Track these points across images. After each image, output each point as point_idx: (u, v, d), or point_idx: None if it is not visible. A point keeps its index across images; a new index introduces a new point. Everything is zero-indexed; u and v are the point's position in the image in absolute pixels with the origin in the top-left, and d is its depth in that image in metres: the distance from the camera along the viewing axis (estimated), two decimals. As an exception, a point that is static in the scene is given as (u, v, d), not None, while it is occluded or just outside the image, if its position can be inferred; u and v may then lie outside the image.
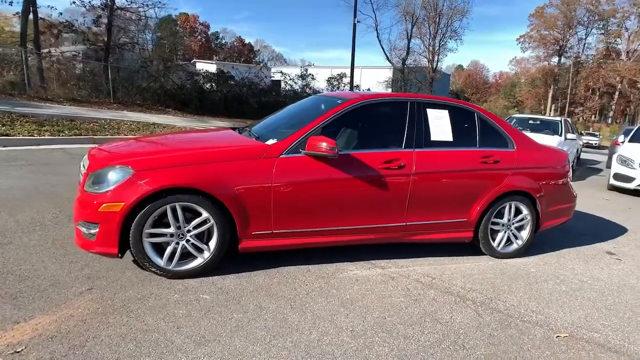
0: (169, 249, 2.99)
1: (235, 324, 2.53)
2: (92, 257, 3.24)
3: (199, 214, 3.00)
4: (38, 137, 8.48)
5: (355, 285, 3.22)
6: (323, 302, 2.90)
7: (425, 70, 42.93)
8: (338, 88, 25.49)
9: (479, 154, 3.86)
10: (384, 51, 41.66)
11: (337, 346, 2.40)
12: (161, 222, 2.95)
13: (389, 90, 37.33)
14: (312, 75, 25.43)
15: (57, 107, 13.86)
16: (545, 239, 4.66)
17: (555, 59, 58.21)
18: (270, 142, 3.30)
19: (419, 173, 3.56)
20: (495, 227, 4.01)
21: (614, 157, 9.02)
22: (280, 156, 3.18)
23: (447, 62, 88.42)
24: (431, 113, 3.78)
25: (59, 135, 8.90)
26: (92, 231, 2.83)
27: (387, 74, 40.81)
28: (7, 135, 8.09)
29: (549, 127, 10.35)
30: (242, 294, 2.92)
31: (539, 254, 4.29)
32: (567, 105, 54.24)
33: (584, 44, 56.23)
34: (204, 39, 66.62)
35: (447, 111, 3.86)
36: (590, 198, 7.68)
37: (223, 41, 69.49)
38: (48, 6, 19.12)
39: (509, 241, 4.09)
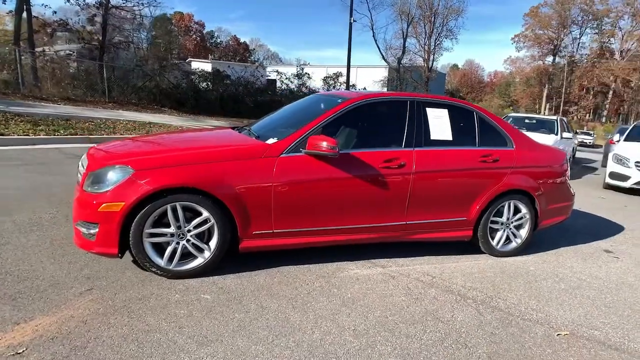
0: (169, 249, 2.97)
1: (237, 324, 2.52)
2: (91, 257, 3.22)
3: (199, 214, 2.98)
4: (33, 136, 8.42)
5: (356, 284, 3.22)
6: (324, 302, 2.90)
7: (421, 69, 43.07)
8: (334, 87, 25.46)
9: (478, 153, 3.86)
10: (380, 50, 41.84)
11: (340, 345, 2.40)
12: (161, 222, 2.94)
13: (385, 90, 37.36)
14: (308, 74, 25.38)
15: (52, 106, 13.76)
16: (543, 238, 4.69)
17: (549, 59, 58.49)
18: (271, 141, 3.29)
19: (419, 172, 3.56)
20: (495, 226, 4.02)
21: (610, 155, 9.07)
22: (281, 155, 3.18)
23: (442, 62, 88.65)
24: (431, 112, 3.78)
25: (55, 135, 8.83)
26: (92, 231, 2.81)
27: (383, 73, 40.85)
28: (1, 134, 8.02)
29: (545, 126, 10.40)
30: (243, 293, 2.91)
31: (537, 252, 4.31)
32: (561, 104, 54.51)
33: (578, 43, 56.52)
34: (199, 38, 66.34)
35: (446, 110, 3.87)
36: (586, 197, 7.72)
37: (218, 40, 69.30)
38: (42, 4, 18.84)
39: (508, 240, 4.11)
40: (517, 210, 4.07)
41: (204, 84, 22.15)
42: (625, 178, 8.50)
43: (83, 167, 3.12)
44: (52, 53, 19.13)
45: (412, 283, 3.33)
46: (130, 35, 27.52)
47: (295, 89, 24.89)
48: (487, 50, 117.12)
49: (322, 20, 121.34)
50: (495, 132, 4.04)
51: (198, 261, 3.07)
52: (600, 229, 5.51)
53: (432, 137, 3.72)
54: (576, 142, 15.36)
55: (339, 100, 3.63)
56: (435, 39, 42.89)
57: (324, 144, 3.12)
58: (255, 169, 3.10)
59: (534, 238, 4.31)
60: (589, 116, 58.06)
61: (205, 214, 2.97)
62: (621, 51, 53.10)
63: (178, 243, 2.99)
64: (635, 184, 8.34)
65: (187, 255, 3.06)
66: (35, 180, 5.39)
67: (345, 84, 23.74)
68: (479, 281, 3.48)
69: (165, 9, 48.05)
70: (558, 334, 2.73)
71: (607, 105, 56.42)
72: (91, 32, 20.42)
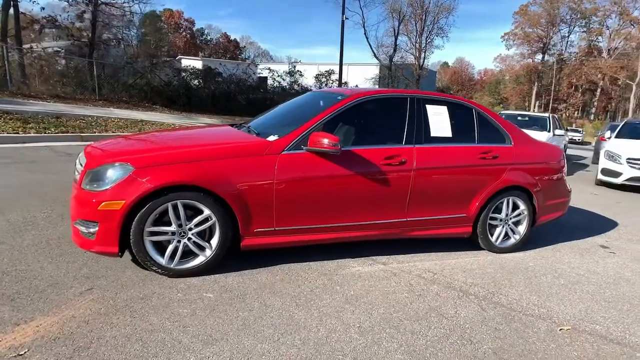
0: (170, 247, 2.94)
1: (242, 322, 2.50)
2: (89, 256, 3.17)
3: (201, 212, 2.95)
4: (23, 134, 8.27)
5: (359, 281, 3.21)
6: (328, 299, 2.89)
7: (412, 67, 43.16)
8: (326, 85, 25.43)
9: (477, 149, 3.87)
10: (371, 48, 41.84)
11: (346, 343, 2.39)
12: (162, 220, 2.90)
13: (377, 87, 37.41)
14: (300, 72, 25.31)
15: (41, 103, 13.56)
16: (540, 234, 4.72)
17: (539, 56, 59.09)
18: (272, 138, 3.26)
19: (419, 169, 3.56)
20: (494, 222, 4.04)
21: (602, 152, 9.18)
22: (283, 152, 3.15)
23: (433, 59, 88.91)
24: (430, 109, 3.78)
25: (45, 133, 8.69)
26: (92, 230, 2.76)
27: (374, 70, 40.90)
28: (-9, 132, 7.87)
29: (538, 124, 10.49)
30: (245, 291, 2.89)
31: (535, 248, 4.34)
32: (550, 101, 55.12)
33: (567, 41, 57.19)
34: (189, 35, 65.79)
35: (446, 107, 3.87)
36: (579, 193, 7.79)
37: (208, 37, 68.76)
38: (30, 0, 18.56)
39: (506, 236, 4.13)
40: (515, 207, 4.09)
41: (196, 81, 21.98)
42: (617, 174, 8.61)
43: (81, 164, 3.07)
44: (40, 50, 18.82)
45: (414, 280, 3.33)
46: (120, 32, 27.16)
47: (287, 87, 24.82)
48: (477, 48, 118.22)
49: (312, 18, 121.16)
50: (493, 129, 4.06)
51: (199, 259, 3.03)
52: (595, 225, 5.57)
53: (432, 134, 3.72)
54: (567, 139, 15.52)
55: (339, 98, 3.61)
56: (427, 37, 43.01)
57: (326, 140, 3.11)
58: (257, 166, 3.07)
59: (532, 234, 4.34)
60: (578, 113, 58.81)
61: (207, 211, 2.94)
62: (609, 49, 53.78)
63: (179, 241, 2.96)
64: (626, 180, 8.46)
65: (188, 254, 3.03)
66: (26, 179, 5.29)
67: (337, 82, 23.71)
68: (480, 277, 3.49)
69: (154, 5, 47.75)
70: (561, 329, 2.75)
71: (595, 103, 57.16)
72: (80, 28, 20.15)
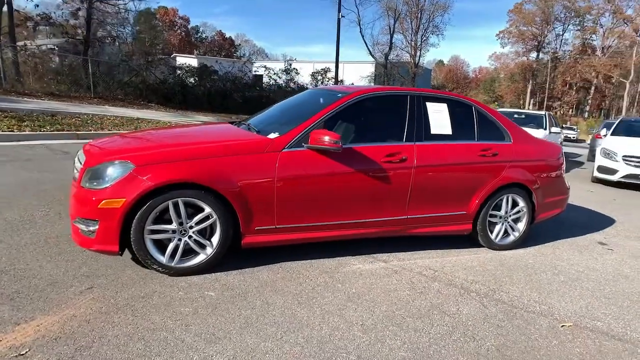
0: (171, 246, 2.91)
1: (244, 321, 2.49)
2: (89, 255, 3.14)
3: (201, 210, 2.93)
4: (18, 132, 8.19)
5: (360, 279, 3.20)
6: (330, 297, 2.88)
7: (408, 65, 43.16)
8: (322, 83, 25.37)
9: (477, 147, 3.87)
10: (367, 46, 41.83)
11: (350, 341, 2.38)
12: (162, 218, 2.88)
13: (372, 85, 37.37)
14: (296, 69, 25.22)
15: (36, 101, 13.44)
16: (539, 231, 4.73)
17: (533, 55, 59.28)
18: (272, 136, 3.24)
19: (420, 166, 3.55)
20: (493, 220, 4.05)
21: (597, 150, 9.23)
22: (283, 150, 3.13)
23: (428, 57, 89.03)
24: (431, 107, 3.78)
25: (41, 131, 8.61)
26: (92, 228, 2.74)
27: (370, 69, 40.86)
28: (-15, 130, 7.79)
29: (534, 121, 10.52)
30: (247, 290, 2.87)
31: (534, 245, 4.35)
32: (545, 99, 55.36)
33: (561, 40, 57.45)
34: (183, 33, 65.38)
35: (446, 105, 3.86)
36: (576, 190, 7.81)
37: (203, 35, 68.44)
38: (24, -3, 18.45)
39: (506, 233, 4.14)
40: (515, 204, 4.10)
41: (191, 79, 21.87)
42: (613, 172, 8.66)
43: (80, 162, 3.04)
44: (34, 47, 18.65)
45: (415, 277, 3.32)
46: (115, 30, 26.99)
47: (283, 85, 24.74)
48: (472, 46, 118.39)
49: (308, 16, 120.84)
50: (493, 126, 4.06)
51: (200, 258, 3.01)
52: (593, 221, 5.59)
53: (432, 132, 3.72)
54: (562, 136, 15.60)
55: (340, 95, 3.60)
56: (422, 35, 43.06)
57: (327, 138, 3.09)
58: (258, 164, 3.05)
59: (531, 231, 4.36)
60: (572, 111, 59.10)
61: (208, 209, 2.92)
62: (602, 48, 54.08)
63: (180, 240, 2.94)
64: (622, 177, 8.51)
65: (188, 252, 3.01)
66: (22, 177, 5.24)
67: (334, 79, 23.66)
68: (481, 274, 3.49)
69: (149, 3, 47.19)
70: (562, 326, 2.76)
71: (590, 101, 57.48)
72: (75, 26, 20.00)
